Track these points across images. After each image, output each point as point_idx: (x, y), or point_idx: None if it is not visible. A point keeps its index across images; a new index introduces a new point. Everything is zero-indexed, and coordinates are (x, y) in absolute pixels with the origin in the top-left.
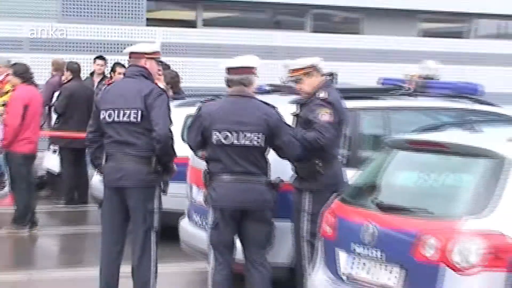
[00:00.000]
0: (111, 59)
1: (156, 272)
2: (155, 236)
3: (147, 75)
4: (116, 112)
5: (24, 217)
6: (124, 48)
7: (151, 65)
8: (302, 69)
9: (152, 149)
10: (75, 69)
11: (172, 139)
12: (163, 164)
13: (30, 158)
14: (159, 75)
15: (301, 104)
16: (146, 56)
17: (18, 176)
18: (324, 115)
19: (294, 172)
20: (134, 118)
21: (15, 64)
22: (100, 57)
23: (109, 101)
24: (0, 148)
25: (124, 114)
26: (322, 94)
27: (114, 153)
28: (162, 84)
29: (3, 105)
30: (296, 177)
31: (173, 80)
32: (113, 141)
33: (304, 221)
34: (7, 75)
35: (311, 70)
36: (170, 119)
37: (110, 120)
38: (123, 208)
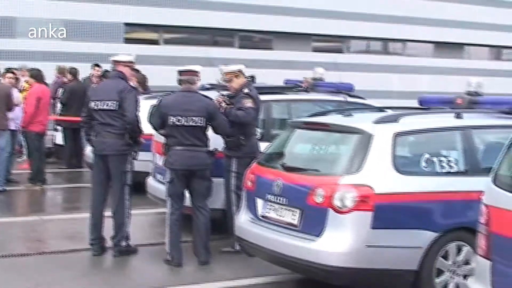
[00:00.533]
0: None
1: (129, 214)
2: (128, 189)
3: (123, 77)
4: (100, 102)
5: (37, 176)
6: (108, 59)
7: (126, 70)
8: (232, 72)
9: (125, 128)
10: (74, 73)
11: (138, 121)
12: (133, 138)
13: (42, 135)
14: (132, 77)
15: (231, 97)
16: (123, 63)
17: (33, 147)
18: (248, 103)
19: (225, 144)
20: (112, 106)
21: (32, 69)
22: (97, 65)
23: (96, 95)
24: (21, 127)
25: (106, 104)
26: (246, 90)
27: (100, 131)
28: (134, 83)
29: (24, 98)
30: (226, 148)
31: (142, 81)
32: (99, 123)
33: (232, 179)
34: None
35: (238, 73)
36: (137, 108)
37: (97, 108)
38: (106, 170)
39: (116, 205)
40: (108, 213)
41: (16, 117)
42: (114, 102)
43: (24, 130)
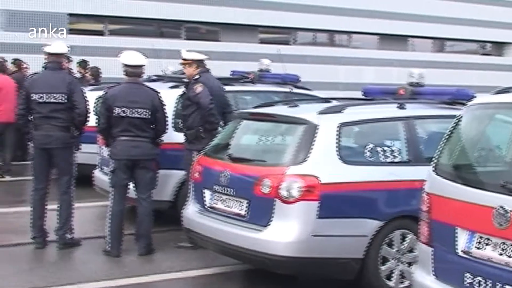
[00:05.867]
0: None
1: (73, 207)
2: (74, 181)
3: (64, 68)
4: (46, 95)
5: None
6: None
7: (65, 61)
8: (185, 60)
9: (71, 121)
10: (18, 64)
11: (88, 113)
12: (79, 130)
13: (5, 125)
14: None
15: (187, 84)
16: (62, 56)
17: None
18: (198, 88)
19: (185, 137)
20: (60, 99)
21: None
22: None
23: (39, 87)
24: None
25: (53, 97)
26: (196, 77)
27: (41, 124)
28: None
29: None
30: (186, 141)
31: (96, 74)
32: (41, 116)
33: None
34: None
35: (191, 62)
36: (87, 100)
37: (42, 101)
38: (49, 162)
39: (63, 197)
40: (51, 206)
41: None
42: (63, 95)
43: None
